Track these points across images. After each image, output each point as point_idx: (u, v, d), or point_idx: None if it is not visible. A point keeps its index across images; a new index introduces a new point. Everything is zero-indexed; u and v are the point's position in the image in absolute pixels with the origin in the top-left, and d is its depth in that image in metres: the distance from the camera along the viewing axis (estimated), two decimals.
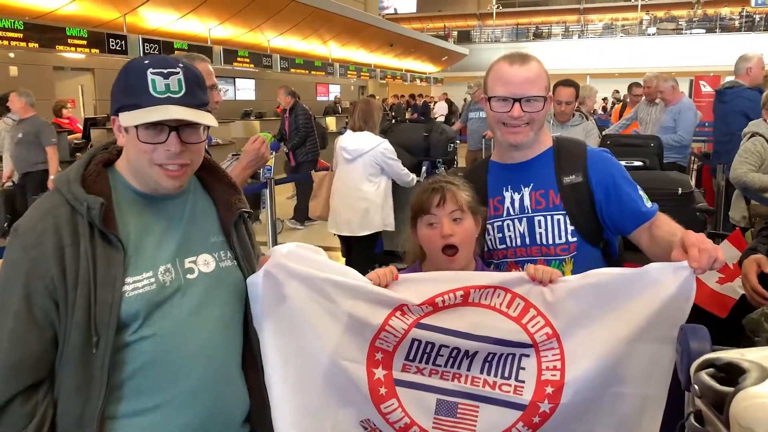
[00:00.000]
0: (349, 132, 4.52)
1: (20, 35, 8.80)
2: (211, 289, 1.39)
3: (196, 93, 1.28)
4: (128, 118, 1.24)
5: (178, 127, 1.26)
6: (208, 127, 1.31)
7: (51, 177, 6.10)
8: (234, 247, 1.45)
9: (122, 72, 1.27)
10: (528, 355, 1.44)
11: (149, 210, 1.35)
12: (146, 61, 1.25)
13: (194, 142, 1.30)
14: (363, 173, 4.38)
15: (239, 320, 1.46)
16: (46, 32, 9.28)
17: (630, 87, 7.75)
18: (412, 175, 4.62)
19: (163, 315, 1.30)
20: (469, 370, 1.46)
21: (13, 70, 11.46)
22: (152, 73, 1.24)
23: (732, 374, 1.02)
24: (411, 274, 1.56)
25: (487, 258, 1.86)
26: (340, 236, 4.62)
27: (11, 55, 11.04)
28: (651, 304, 1.38)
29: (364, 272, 1.51)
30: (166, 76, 1.24)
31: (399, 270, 1.55)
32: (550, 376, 1.42)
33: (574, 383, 1.40)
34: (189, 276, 1.36)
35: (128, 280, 1.27)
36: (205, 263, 1.39)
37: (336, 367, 1.45)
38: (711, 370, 1.05)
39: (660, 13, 33.26)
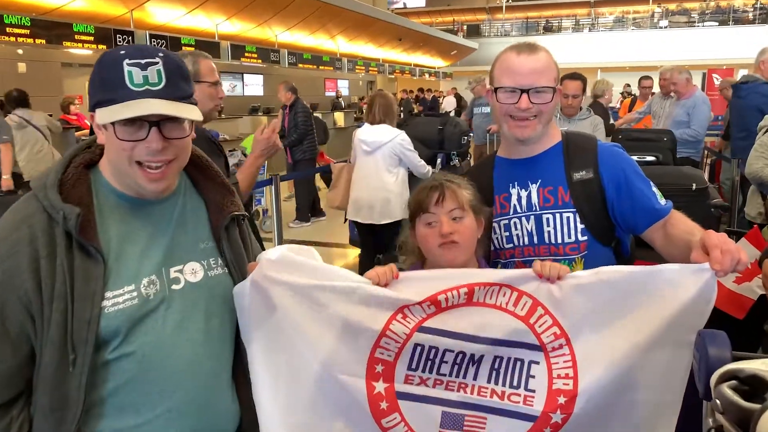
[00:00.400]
0: (366, 125, 4.63)
1: (27, 31, 8.80)
2: (199, 300, 1.31)
3: (179, 84, 1.20)
4: (104, 115, 1.15)
5: (160, 121, 1.17)
6: (193, 121, 1.22)
7: (4, 177, 5.91)
8: (225, 254, 1.37)
9: (97, 64, 1.18)
10: (537, 362, 1.36)
11: (134, 215, 1.26)
12: (122, 52, 1.16)
13: (178, 137, 1.21)
14: (383, 164, 4.52)
15: (229, 331, 1.38)
16: (52, 28, 9.28)
17: (640, 80, 7.65)
18: (428, 167, 4.73)
19: (145, 330, 1.22)
20: (475, 379, 1.38)
21: (22, 67, 11.47)
22: (128, 65, 1.15)
23: (756, 387, 0.95)
24: (412, 272, 1.49)
25: (494, 258, 1.78)
26: (359, 225, 4.73)
27: (19, 51, 11.04)
28: (668, 306, 1.30)
29: (387, 260, 1.43)
30: (143, 67, 1.15)
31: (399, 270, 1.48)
32: (563, 385, 1.34)
33: (587, 392, 1.33)
34: (174, 287, 1.27)
35: (108, 294, 1.18)
36: (192, 272, 1.31)
37: (332, 381, 1.36)
38: (734, 382, 0.97)
39: (672, 6, 32.88)
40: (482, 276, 1.41)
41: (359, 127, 4.86)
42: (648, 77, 7.56)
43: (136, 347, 1.21)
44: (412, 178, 4.64)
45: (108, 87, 1.15)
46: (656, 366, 1.32)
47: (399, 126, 4.85)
